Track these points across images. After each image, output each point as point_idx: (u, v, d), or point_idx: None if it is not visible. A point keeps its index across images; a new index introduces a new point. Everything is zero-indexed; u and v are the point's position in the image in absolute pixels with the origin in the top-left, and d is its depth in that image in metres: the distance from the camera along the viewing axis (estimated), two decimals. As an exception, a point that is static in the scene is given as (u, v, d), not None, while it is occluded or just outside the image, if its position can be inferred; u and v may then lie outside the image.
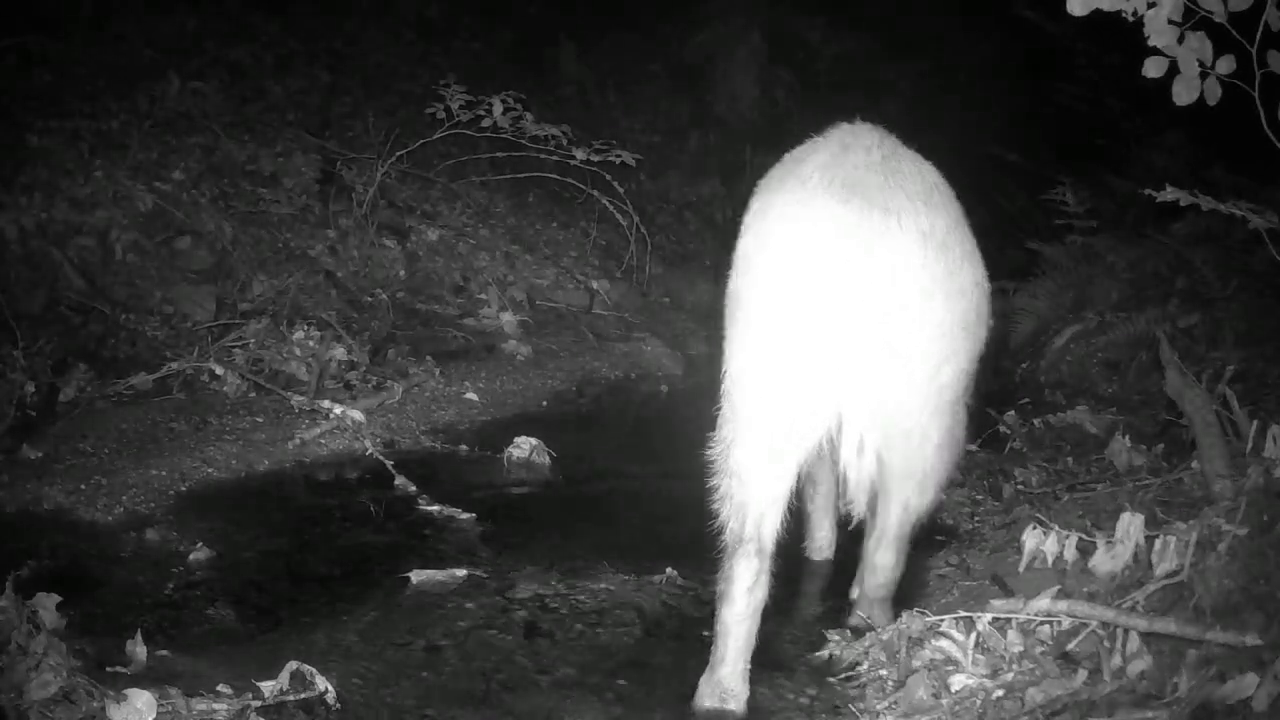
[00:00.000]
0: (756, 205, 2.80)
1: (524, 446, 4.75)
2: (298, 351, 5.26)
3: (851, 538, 3.63)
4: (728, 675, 2.75)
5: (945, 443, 2.94)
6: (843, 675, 2.96)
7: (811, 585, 3.68)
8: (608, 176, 7.16)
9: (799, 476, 2.77)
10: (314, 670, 2.72)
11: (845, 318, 2.56)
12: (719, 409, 2.80)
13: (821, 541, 3.83)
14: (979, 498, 4.41)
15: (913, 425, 2.81)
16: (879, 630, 3.03)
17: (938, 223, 2.63)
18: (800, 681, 2.96)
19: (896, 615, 3.05)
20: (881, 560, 3.16)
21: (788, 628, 3.30)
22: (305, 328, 5.45)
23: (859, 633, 3.15)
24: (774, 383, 2.63)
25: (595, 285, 7.43)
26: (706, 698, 2.75)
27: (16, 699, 2.44)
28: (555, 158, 7.03)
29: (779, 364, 2.62)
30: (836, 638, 3.14)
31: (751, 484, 2.70)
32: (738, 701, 2.74)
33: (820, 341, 2.58)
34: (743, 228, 2.80)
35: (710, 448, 2.80)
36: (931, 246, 2.60)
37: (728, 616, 2.72)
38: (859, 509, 3.08)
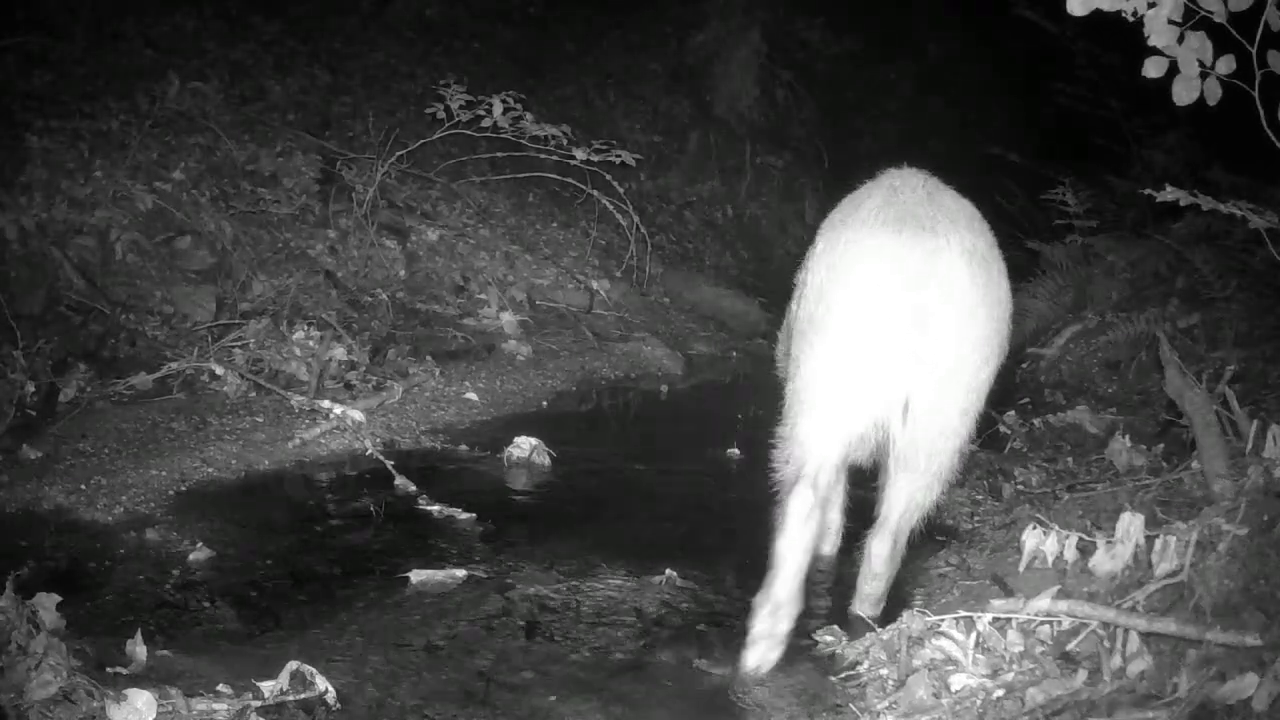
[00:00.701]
0: (823, 243, 3.18)
1: (524, 446, 4.75)
2: (298, 351, 5.26)
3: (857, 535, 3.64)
4: (780, 590, 3.04)
5: (964, 445, 3.19)
6: (843, 674, 2.96)
7: (814, 582, 3.68)
8: (608, 176, 7.16)
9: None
10: (314, 670, 2.72)
11: (906, 327, 2.91)
12: (785, 400, 3.24)
13: (829, 525, 3.88)
14: (979, 498, 4.41)
15: (948, 423, 3.07)
16: (879, 630, 3.04)
17: (979, 243, 3.00)
18: (801, 680, 2.96)
19: (896, 615, 3.06)
20: (877, 549, 3.26)
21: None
22: (305, 328, 5.45)
23: (855, 628, 3.17)
24: (845, 382, 3.01)
25: (595, 285, 7.43)
26: (762, 608, 3.04)
27: (16, 699, 2.44)
28: (555, 158, 7.03)
29: (850, 367, 2.99)
30: (829, 637, 3.14)
31: (813, 449, 3.08)
32: (788, 613, 3.05)
33: (885, 346, 2.93)
34: (811, 261, 3.21)
35: (779, 426, 3.22)
36: (976, 262, 2.95)
37: (783, 546, 3.04)
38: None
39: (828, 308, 3.03)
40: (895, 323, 2.91)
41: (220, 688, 2.67)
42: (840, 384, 3.03)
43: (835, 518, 3.89)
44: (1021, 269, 7.10)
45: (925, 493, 3.19)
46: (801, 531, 3.03)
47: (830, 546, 3.91)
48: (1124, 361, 5.88)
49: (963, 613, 2.89)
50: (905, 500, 3.19)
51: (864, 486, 3.59)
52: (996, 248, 3.11)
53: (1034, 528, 3.22)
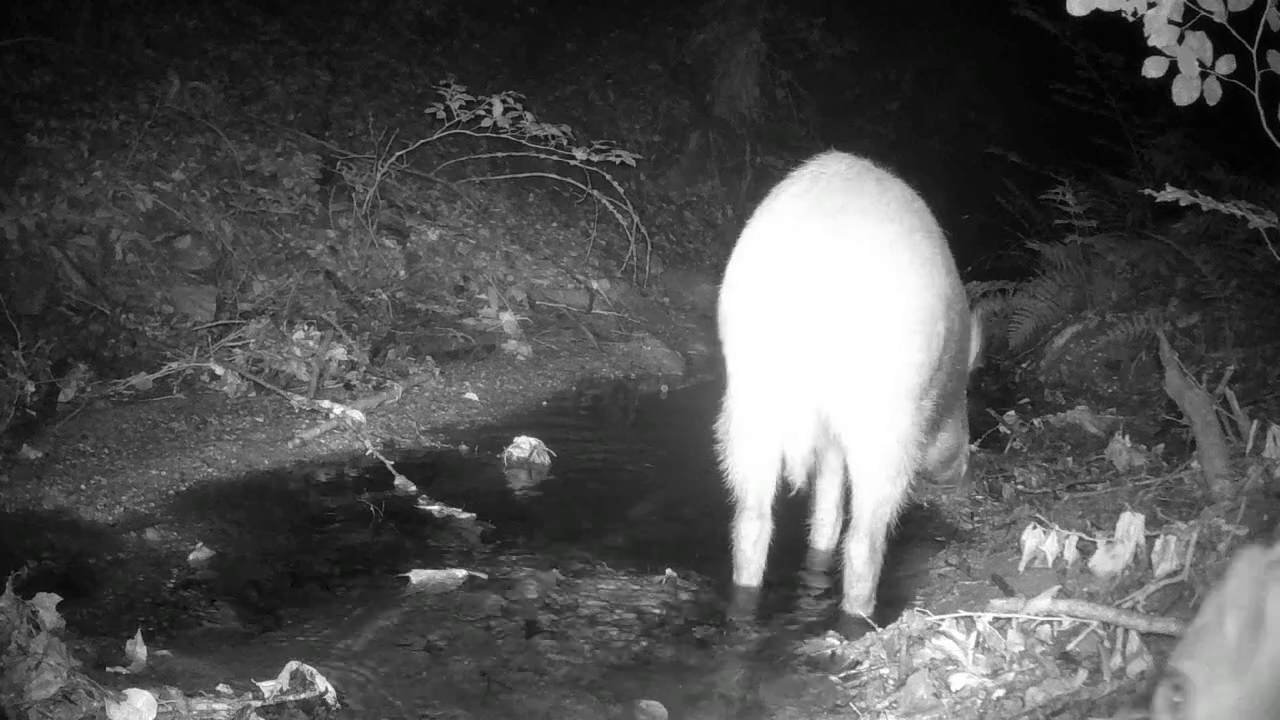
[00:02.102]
0: (744, 231, 3.25)
1: (524, 446, 4.75)
2: (298, 351, 5.26)
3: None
4: (746, 579, 3.45)
5: (910, 435, 3.14)
6: (843, 674, 2.96)
7: (814, 581, 3.69)
8: (608, 176, 7.16)
9: (789, 451, 3.24)
10: (314, 670, 2.72)
11: (802, 317, 2.97)
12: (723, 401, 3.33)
13: (823, 519, 3.93)
14: (979, 498, 4.41)
15: (877, 413, 3.07)
16: (879, 629, 3.04)
17: (886, 230, 3.00)
18: (801, 679, 2.96)
19: (896, 615, 3.06)
20: (855, 551, 3.25)
21: (788, 624, 3.30)
22: (305, 328, 5.45)
23: (855, 628, 3.17)
24: (755, 375, 3.13)
25: (595, 285, 7.43)
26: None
27: (16, 699, 2.44)
28: (555, 158, 7.03)
29: (757, 358, 3.10)
30: (829, 638, 3.14)
31: (750, 477, 3.29)
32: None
33: (783, 337, 3.02)
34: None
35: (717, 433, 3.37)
36: (875, 252, 2.96)
37: (739, 556, 3.42)
38: (797, 481, 3.35)
39: (733, 297, 3.13)
40: (795, 312, 2.97)
41: (220, 688, 2.67)
42: (754, 375, 3.12)
43: (830, 512, 3.89)
44: (1021, 269, 7.11)
45: (888, 486, 3.17)
46: (753, 551, 3.39)
47: (826, 541, 3.91)
48: (1124, 361, 5.88)
49: (963, 612, 2.89)
50: (871, 499, 3.18)
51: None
52: (921, 234, 3.10)
53: (1034, 528, 3.22)
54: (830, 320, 2.94)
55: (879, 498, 3.17)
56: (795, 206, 3.06)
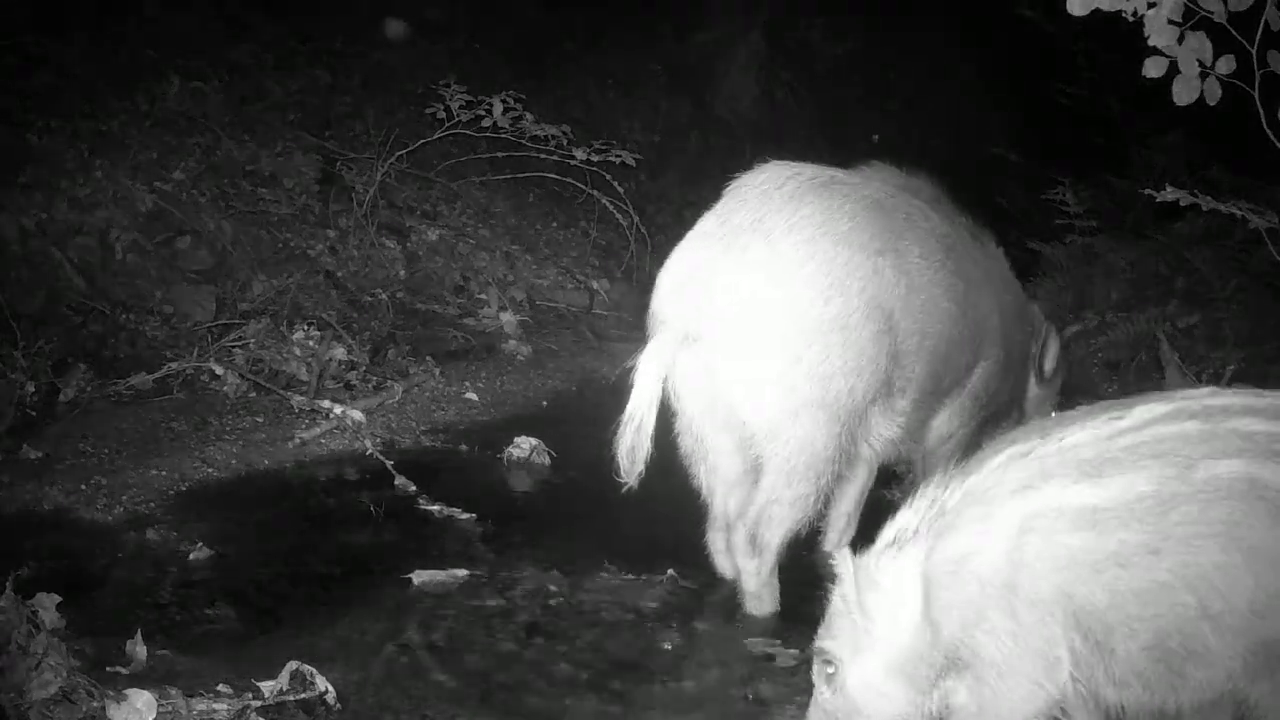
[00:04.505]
0: None
1: (524, 446, 4.75)
2: (298, 351, 5.26)
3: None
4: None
5: (807, 447, 3.17)
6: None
7: (818, 582, 3.67)
8: (608, 176, 7.16)
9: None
10: (314, 670, 2.72)
11: (685, 327, 3.19)
12: None
13: (835, 523, 3.91)
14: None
15: (766, 422, 3.19)
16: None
17: (758, 247, 3.11)
18: (803, 678, 2.96)
19: None
20: (735, 542, 3.36)
21: (790, 623, 3.30)
22: (305, 328, 5.45)
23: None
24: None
25: (595, 285, 7.43)
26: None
27: (16, 699, 2.44)
28: (555, 158, 7.03)
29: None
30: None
31: (711, 495, 3.49)
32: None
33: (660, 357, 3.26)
34: None
35: None
36: (744, 270, 3.09)
37: (716, 564, 3.51)
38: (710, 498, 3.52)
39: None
40: (677, 323, 3.16)
41: (220, 688, 2.67)
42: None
43: (841, 518, 3.87)
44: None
45: (781, 487, 3.21)
46: (722, 560, 3.48)
47: (833, 545, 3.89)
48: (1124, 361, 5.87)
49: (963, 612, 2.88)
50: (762, 498, 3.24)
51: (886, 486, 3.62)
52: (789, 246, 3.11)
53: (1034, 527, 3.20)
54: (710, 342, 3.13)
55: (771, 497, 3.23)
56: (705, 222, 3.25)
